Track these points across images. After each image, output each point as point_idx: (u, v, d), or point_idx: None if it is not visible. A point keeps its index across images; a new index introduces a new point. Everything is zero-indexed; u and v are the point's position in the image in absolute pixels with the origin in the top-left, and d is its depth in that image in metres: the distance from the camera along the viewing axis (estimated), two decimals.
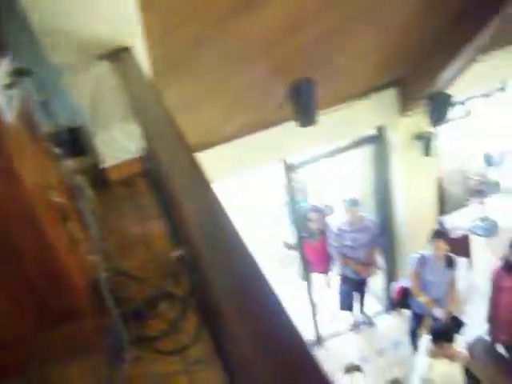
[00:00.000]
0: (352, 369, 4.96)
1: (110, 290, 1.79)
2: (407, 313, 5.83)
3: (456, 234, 6.60)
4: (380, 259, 6.21)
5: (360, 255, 5.73)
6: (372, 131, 5.66)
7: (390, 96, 5.27)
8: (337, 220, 5.93)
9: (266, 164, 5.19)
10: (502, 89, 7.18)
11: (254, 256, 0.98)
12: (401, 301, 5.59)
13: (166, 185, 1.61)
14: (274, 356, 0.79)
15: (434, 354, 4.14)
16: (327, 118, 4.73)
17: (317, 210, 6.20)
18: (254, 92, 4.22)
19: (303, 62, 4.14)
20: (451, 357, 4.20)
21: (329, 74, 4.41)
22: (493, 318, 5.23)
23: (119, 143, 2.89)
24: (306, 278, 6.06)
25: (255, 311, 0.88)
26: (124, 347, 1.80)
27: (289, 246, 6.92)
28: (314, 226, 6.05)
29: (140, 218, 2.74)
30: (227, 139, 4.57)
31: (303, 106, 4.28)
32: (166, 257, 2.22)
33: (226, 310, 0.91)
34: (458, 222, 7.16)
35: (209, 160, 4.26)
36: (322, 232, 6.07)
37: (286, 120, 4.61)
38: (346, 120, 5.05)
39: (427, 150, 5.57)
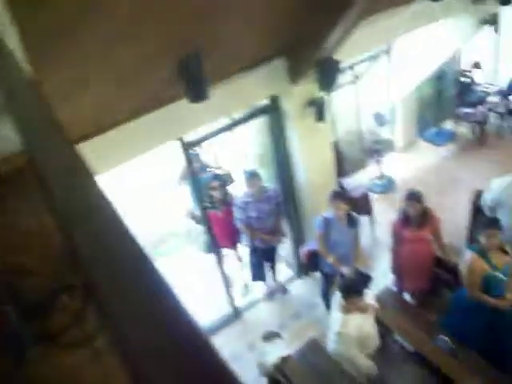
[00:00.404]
0: (271, 336, 5.04)
1: (3, 288, 1.67)
2: (317, 275, 6.03)
3: (356, 193, 6.88)
4: (286, 226, 6.34)
5: (266, 224, 5.81)
6: (265, 101, 5.70)
7: (279, 65, 5.32)
8: (239, 193, 5.98)
9: (162, 144, 5.08)
10: (387, 51, 7.50)
11: (139, 242, 0.94)
12: (310, 264, 5.75)
13: (44, 179, 1.51)
14: (166, 343, 0.75)
15: (346, 310, 4.29)
16: (219, 92, 4.69)
17: (218, 178, 6.22)
18: (141, 72, 4.08)
19: (188, 38, 4.05)
20: (362, 310, 4.38)
21: (216, 47, 4.35)
22: (397, 269, 5.53)
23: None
24: (215, 251, 6.06)
25: (139, 295, 0.84)
26: (25, 345, 1.69)
27: (194, 217, 6.84)
28: (216, 194, 6.08)
29: (34, 211, 2.59)
30: (119, 123, 4.41)
31: (193, 81, 4.21)
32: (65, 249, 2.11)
33: (107, 295, 0.87)
34: (357, 182, 7.46)
35: (101, 147, 4.15)
36: (226, 202, 6.10)
37: (178, 97, 4.53)
38: (239, 92, 5.04)
39: (320, 116, 5.70)
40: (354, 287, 4.31)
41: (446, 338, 4.74)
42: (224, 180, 6.43)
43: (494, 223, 4.54)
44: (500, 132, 8.75)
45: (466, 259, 4.57)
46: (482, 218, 5.29)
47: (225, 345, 5.98)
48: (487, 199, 5.33)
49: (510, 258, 4.57)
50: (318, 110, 5.67)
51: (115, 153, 4.40)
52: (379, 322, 4.73)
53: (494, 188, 5.24)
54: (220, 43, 4.35)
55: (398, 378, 4.87)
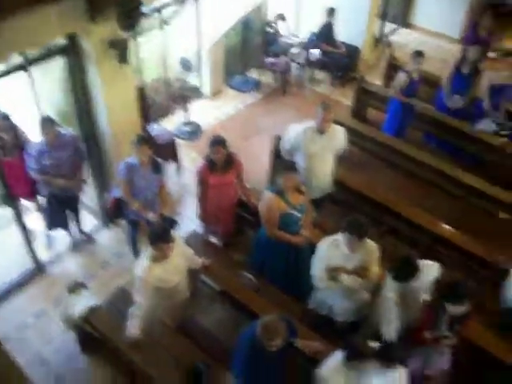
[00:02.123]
0: (76, 287, 4.84)
1: None
2: (124, 222, 5.89)
3: (162, 139, 6.78)
4: (87, 173, 6.01)
5: (64, 171, 5.44)
6: (63, 40, 5.23)
7: (77, 0, 4.87)
8: (34, 141, 5.50)
9: None
10: None
11: None
12: (115, 211, 5.58)
13: None
14: None
15: (154, 258, 4.20)
16: (9, 27, 4.17)
17: (5, 117, 5.62)
18: None
19: None
20: (167, 257, 4.30)
21: None
22: (203, 213, 5.62)
23: None
24: (11, 202, 5.53)
25: None
26: None
27: None
28: (7, 138, 5.55)
29: None
30: None
31: None
32: None
33: None
34: (163, 128, 7.35)
35: None
36: (19, 147, 5.58)
37: None
38: (32, 28, 4.52)
39: (123, 58, 5.41)
40: (161, 234, 4.24)
41: (250, 275, 5.00)
42: (12, 122, 5.74)
43: (291, 166, 4.80)
44: (300, 82, 9.29)
45: (265, 199, 4.79)
46: (281, 162, 5.59)
47: (28, 302, 5.61)
48: (285, 144, 5.62)
49: (305, 197, 4.91)
50: (121, 51, 5.36)
51: None
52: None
53: (292, 133, 5.53)
54: None
55: (207, 317, 5.03)
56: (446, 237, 5.56)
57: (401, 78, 6.93)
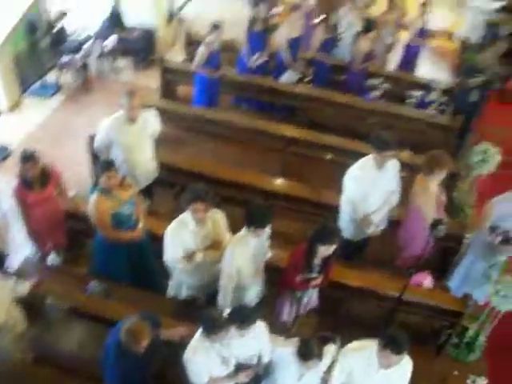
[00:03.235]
0: None
1: None
2: None
3: None
4: None
5: None
6: None
7: None
8: None
9: None
10: None
11: None
12: None
13: None
14: None
15: None
16: None
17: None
18: None
19: None
20: None
21: None
22: (33, 235, 5.26)
23: None
24: None
25: None
26: None
27: None
28: None
29: None
30: None
31: None
32: None
33: None
34: None
35: None
36: None
37: None
38: None
39: None
40: None
41: (96, 283, 4.81)
42: None
43: (108, 164, 4.64)
44: (102, 74, 8.98)
45: (91, 202, 4.61)
46: (99, 162, 5.38)
47: None
48: (98, 142, 5.42)
49: (132, 189, 4.81)
50: None
51: None
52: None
53: (102, 130, 5.34)
54: None
55: (67, 340, 4.76)
56: (278, 190, 5.83)
57: (201, 52, 6.92)
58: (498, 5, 8.78)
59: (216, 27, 6.81)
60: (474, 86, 7.16)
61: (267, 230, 4.21)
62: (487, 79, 7.12)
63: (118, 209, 4.62)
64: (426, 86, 7.34)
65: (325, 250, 4.04)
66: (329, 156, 6.68)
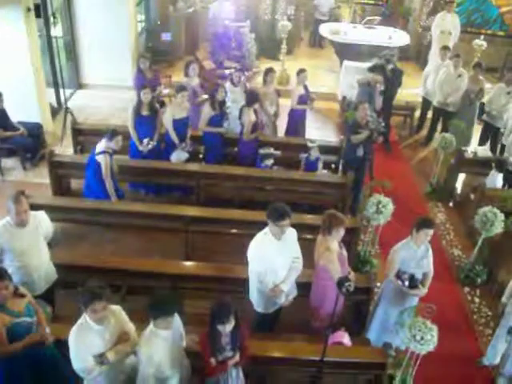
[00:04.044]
0: None
1: None
2: None
3: None
4: None
5: None
6: None
7: None
8: None
9: None
10: None
11: None
12: None
13: None
14: None
15: None
16: None
17: None
18: None
19: None
20: None
21: None
22: None
23: None
24: None
25: None
26: None
27: None
28: None
29: None
30: None
31: None
32: None
33: None
34: None
35: None
36: None
37: None
38: None
39: None
40: None
41: None
42: None
43: (0, 274, 4.32)
44: None
45: None
46: None
47: None
48: None
49: (28, 297, 4.50)
50: None
51: None
52: None
53: None
54: None
55: None
56: (185, 273, 5.72)
57: (105, 161, 6.57)
58: (369, 64, 9.47)
59: (113, 134, 6.55)
60: (358, 142, 7.57)
61: (177, 319, 4.11)
62: (369, 134, 7.56)
63: (14, 321, 4.27)
64: (312, 147, 7.64)
65: (226, 328, 4.05)
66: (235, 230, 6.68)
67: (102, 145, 6.57)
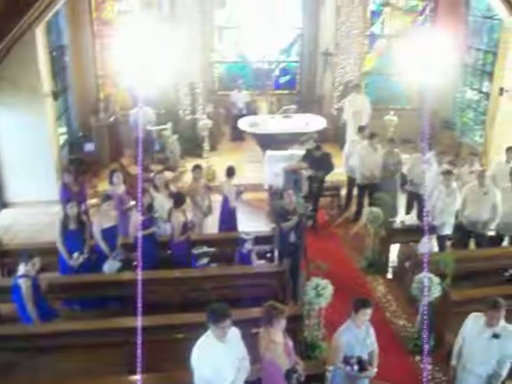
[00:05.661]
0: None
1: None
2: None
3: None
4: None
5: None
6: None
7: None
8: None
9: None
10: None
11: None
12: None
13: None
14: None
15: None
16: None
17: None
18: None
19: None
20: None
21: None
22: None
23: None
24: None
25: None
26: None
27: None
28: None
29: None
30: None
31: None
32: None
33: None
34: None
35: None
36: None
37: None
38: None
39: None
40: None
41: None
42: None
43: None
44: None
45: None
46: None
47: None
48: None
49: None
50: None
51: None
52: None
53: None
54: None
55: None
56: None
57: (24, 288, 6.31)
58: (292, 152, 9.93)
59: (29, 257, 6.34)
60: (289, 229, 7.71)
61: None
62: (298, 220, 7.73)
63: None
64: (247, 240, 7.68)
65: None
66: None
67: (21, 268, 6.37)
